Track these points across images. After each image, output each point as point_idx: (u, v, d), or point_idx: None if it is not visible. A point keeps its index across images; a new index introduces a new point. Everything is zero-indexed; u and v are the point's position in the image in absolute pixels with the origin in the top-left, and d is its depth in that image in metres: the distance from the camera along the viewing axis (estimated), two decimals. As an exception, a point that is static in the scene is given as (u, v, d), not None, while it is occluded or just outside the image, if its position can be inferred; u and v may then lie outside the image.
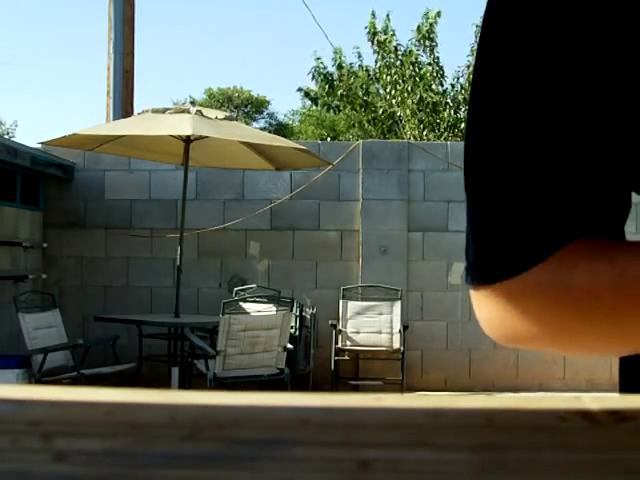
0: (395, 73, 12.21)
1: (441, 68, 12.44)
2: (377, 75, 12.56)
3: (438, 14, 12.48)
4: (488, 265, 0.64)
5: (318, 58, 12.84)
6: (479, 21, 12.36)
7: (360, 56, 12.91)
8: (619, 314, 0.58)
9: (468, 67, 12.41)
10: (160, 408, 0.50)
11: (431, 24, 12.42)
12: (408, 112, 12.15)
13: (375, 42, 12.75)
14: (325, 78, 12.86)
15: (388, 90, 12.53)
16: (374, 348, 7.76)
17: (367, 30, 12.78)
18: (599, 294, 0.59)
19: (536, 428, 0.46)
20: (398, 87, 12.23)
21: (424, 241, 8.00)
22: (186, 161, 6.76)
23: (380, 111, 12.44)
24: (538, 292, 0.62)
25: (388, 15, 12.75)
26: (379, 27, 12.75)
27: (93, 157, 7.84)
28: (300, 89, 13.71)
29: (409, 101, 11.99)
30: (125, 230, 8.01)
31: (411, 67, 12.22)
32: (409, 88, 12.11)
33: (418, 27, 12.51)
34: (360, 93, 12.65)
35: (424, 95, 12.00)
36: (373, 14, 12.73)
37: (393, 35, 12.63)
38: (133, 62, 9.42)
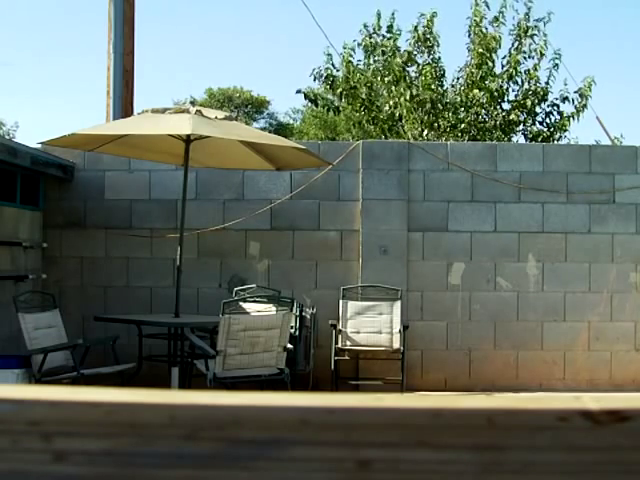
0: (390, 76, 12.20)
1: (441, 68, 12.40)
2: (380, 74, 12.51)
3: (434, 14, 12.43)
4: None
5: (329, 54, 12.78)
6: (471, 21, 12.36)
7: (369, 51, 12.82)
8: None
9: (466, 67, 12.39)
10: (160, 408, 0.49)
11: (428, 26, 12.37)
12: (405, 111, 12.12)
13: (365, 45, 12.71)
14: (327, 78, 12.80)
15: (386, 90, 12.49)
16: (374, 348, 7.76)
17: (372, 29, 12.71)
18: None
19: (536, 428, 0.46)
20: (394, 87, 12.20)
21: (424, 241, 8.00)
22: (186, 161, 6.75)
23: (386, 107, 12.39)
24: None
25: (392, 14, 12.71)
26: (383, 28, 12.68)
27: (93, 157, 7.84)
28: (299, 91, 13.48)
29: (403, 98, 11.96)
30: (125, 230, 8.00)
31: (402, 67, 12.19)
32: (402, 89, 12.08)
33: (415, 27, 12.46)
34: (364, 92, 12.60)
35: (421, 93, 11.97)
36: (378, 15, 12.64)
37: (398, 34, 12.59)
38: (133, 62, 9.41)
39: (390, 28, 12.65)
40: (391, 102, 12.31)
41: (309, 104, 14.86)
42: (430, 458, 0.43)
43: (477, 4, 12.30)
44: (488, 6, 12.21)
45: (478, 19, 12.20)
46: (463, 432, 0.47)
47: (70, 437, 0.45)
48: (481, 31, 12.12)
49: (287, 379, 6.26)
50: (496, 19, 12.20)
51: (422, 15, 12.44)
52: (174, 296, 6.83)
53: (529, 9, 12.17)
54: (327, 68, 12.81)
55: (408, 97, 11.90)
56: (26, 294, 6.87)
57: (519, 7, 12.29)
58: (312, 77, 12.88)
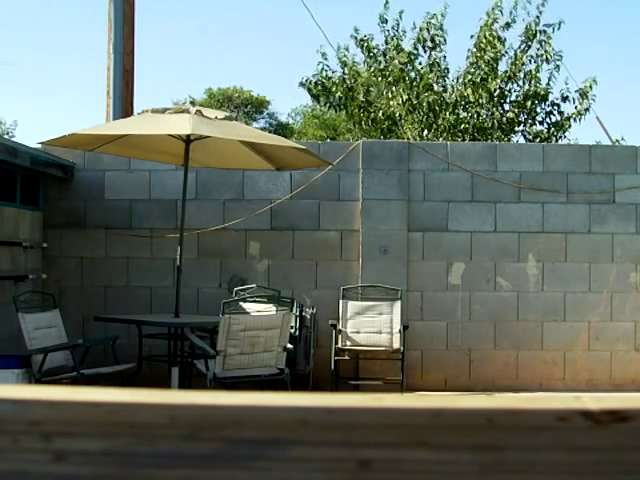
0: (390, 77, 12.18)
1: (444, 68, 12.37)
2: (380, 75, 12.49)
3: (435, 18, 12.40)
4: None
5: (323, 53, 12.76)
6: (481, 22, 12.33)
7: (368, 50, 12.77)
8: None
9: (467, 67, 12.36)
10: (160, 408, 0.49)
11: (428, 28, 12.34)
12: (404, 112, 12.11)
13: (362, 47, 12.68)
14: (316, 85, 12.78)
15: (385, 90, 12.48)
16: (374, 348, 7.76)
17: (378, 26, 12.65)
18: None
19: (536, 428, 0.46)
20: (394, 88, 12.19)
21: (424, 241, 8.00)
22: (186, 161, 6.75)
23: (380, 113, 12.38)
24: None
25: (400, 14, 12.68)
26: (389, 22, 12.63)
27: (93, 157, 7.84)
28: (302, 84, 13.40)
29: (401, 99, 11.95)
30: (125, 230, 8.01)
31: (400, 69, 12.18)
32: (401, 90, 12.07)
33: (425, 26, 12.41)
34: (361, 93, 12.58)
35: (420, 95, 11.96)
36: (382, 16, 12.58)
37: (403, 34, 12.58)
38: (133, 62, 9.41)
39: (397, 27, 12.62)
40: (390, 103, 12.29)
41: (309, 103, 14.85)
42: (430, 458, 0.43)
43: (493, 8, 12.26)
44: (502, 12, 12.20)
45: (490, 21, 12.18)
46: (463, 432, 0.47)
47: (70, 437, 0.45)
48: (490, 35, 12.09)
49: (287, 379, 6.26)
50: (507, 25, 12.19)
51: (431, 16, 12.39)
52: (174, 296, 6.83)
53: (540, 13, 12.16)
54: (322, 70, 12.77)
55: (401, 101, 11.88)
56: (26, 294, 6.87)
57: (531, 10, 12.28)
58: (302, 85, 12.86)
